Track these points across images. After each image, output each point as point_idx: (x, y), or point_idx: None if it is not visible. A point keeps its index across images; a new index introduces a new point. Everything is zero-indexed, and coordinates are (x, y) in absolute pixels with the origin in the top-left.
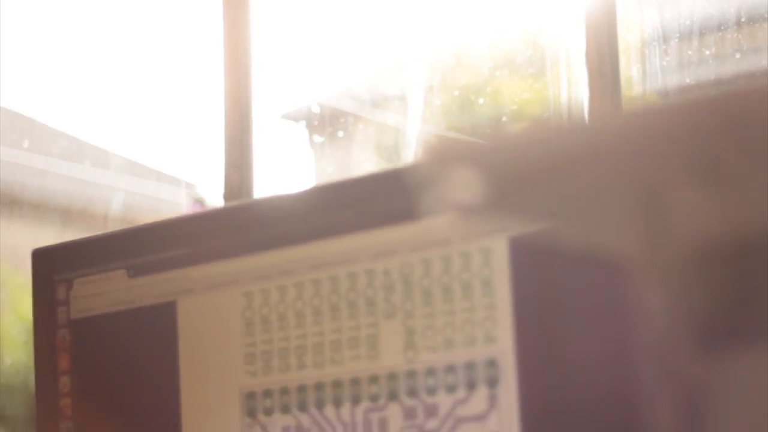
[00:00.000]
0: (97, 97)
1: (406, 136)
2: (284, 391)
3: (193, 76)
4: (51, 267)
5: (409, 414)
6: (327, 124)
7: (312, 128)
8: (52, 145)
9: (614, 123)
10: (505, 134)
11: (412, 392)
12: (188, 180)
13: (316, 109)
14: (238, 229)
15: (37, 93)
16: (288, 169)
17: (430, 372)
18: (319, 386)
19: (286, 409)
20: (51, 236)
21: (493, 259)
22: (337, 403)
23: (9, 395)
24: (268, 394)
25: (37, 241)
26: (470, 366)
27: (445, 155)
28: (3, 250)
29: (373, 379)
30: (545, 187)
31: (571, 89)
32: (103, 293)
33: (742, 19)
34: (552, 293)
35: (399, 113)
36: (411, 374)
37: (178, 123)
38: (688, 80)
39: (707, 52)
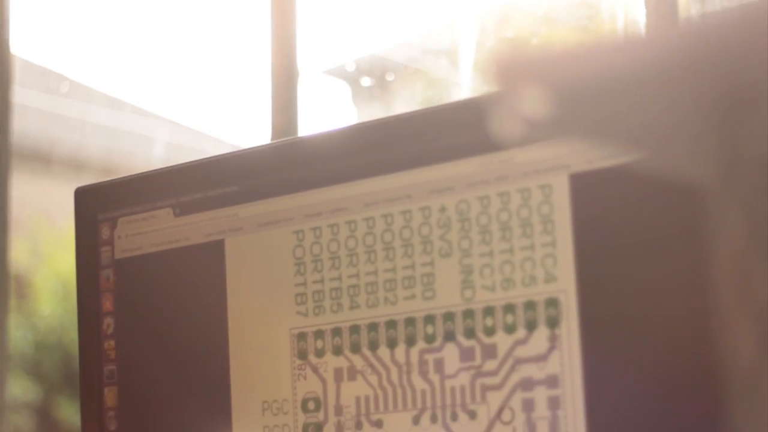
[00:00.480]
0: (139, 56)
1: (455, 89)
2: (336, 332)
3: (236, 33)
4: (95, 206)
5: (466, 355)
6: (373, 78)
7: (356, 84)
8: (89, 102)
9: (679, 37)
10: (571, 48)
11: (470, 333)
12: (231, 142)
13: (361, 65)
14: (289, 165)
15: (75, 51)
16: (332, 124)
17: (488, 312)
18: (372, 327)
19: (337, 351)
20: None
21: (553, 195)
22: (391, 344)
23: (44, 352)
24: (319, 335)
25: (71, 201)
26: (530, 305)
27: (514, 65)
28: (39, 205)
29: (429, 320)
30: (612, 108)
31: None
32: (148, 232)
33: None
34: (614, 230)
35: (448, 66)
36: (468, 314)
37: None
38: None
39: None
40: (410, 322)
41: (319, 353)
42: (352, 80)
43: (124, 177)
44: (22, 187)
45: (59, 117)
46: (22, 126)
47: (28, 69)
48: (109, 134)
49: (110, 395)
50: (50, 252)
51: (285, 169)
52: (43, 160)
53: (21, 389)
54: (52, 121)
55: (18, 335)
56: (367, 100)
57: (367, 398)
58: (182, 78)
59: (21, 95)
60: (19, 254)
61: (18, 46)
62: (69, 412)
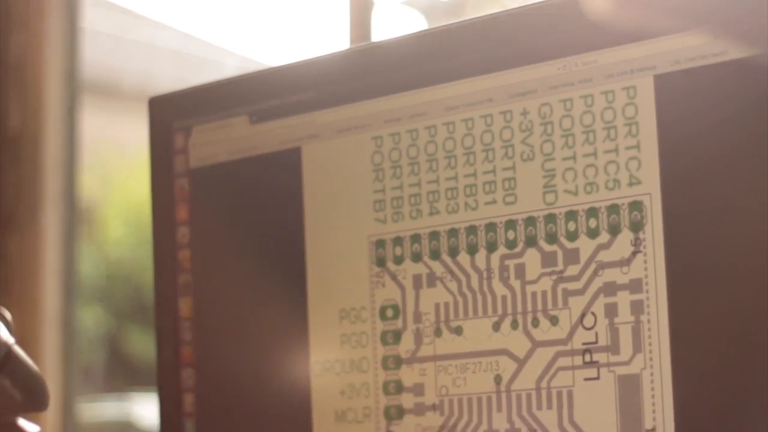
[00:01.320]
0: None
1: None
2: (415, 239)
3: None
4: (169, 115)
5: (548, 260)
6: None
7: (431, 15)
8: (159, 32)
9: None
10: None
11: (552, 238)
12: None
13: None
14: (368, 71)
15: None
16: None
17: (571, 216)
18: (452, 233)
19: (417, 257)
20: None
21: (638, 97)
22: (472, 250)
23: (115, 283)
24: (398, 241)
25: (141, 131)
26: (613, 209)
27: None
28: (110, 136)
29: (510, 225)
30: (698, 5)
31: None
32: (223, 141)
33: None
34: (700, 133)
35: None
36: (550, 219)
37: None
38: None
39: None
40: (491, 227)
41: (398, 260)
42: (428, 11)
43: (198, 85)
44: (93, 118)
45: (129, 46)
46: (92, 56)
47: (99, 1)
48: (179, 64)
49: (185, 305)
50: (121, 182)
51: (363, 74)
52: (113, 90)
53: (92, 320)
54: (122, 51)
55: (89, 266)
56: None
57: (446, 305)
58: (254, 10)
59: (91, 26)
60: (90, 185)
61: None
62: (139, 342)
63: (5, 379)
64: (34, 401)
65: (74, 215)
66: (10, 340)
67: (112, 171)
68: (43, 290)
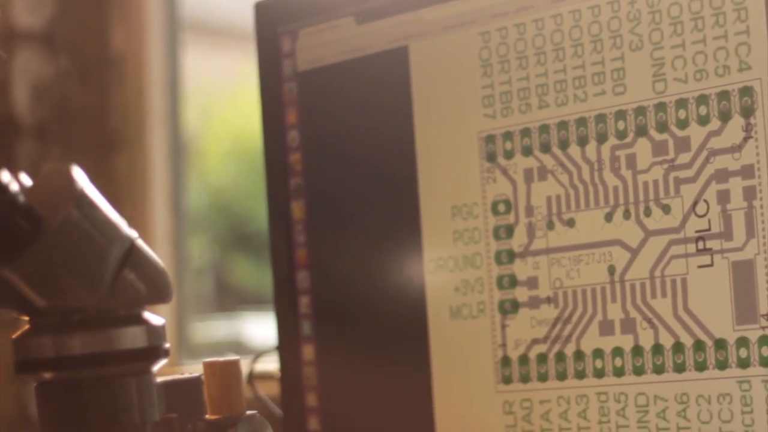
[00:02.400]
0: None
1: None
2: (525, 133)
3: None
4: (274, 19)
5: (659, 149)
6: None
7: None
8: None
9: None
10: None
11: (662, 126)
12: None
13: None
14: None
15: None
16: None
17: (681, 104)
18: (562, 125)
19: (527, 151)
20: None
21: None
22: (582, 142)
23: (217, 214)
24: (508, 136)
25: (235, 64)
26: (724, 95)
27: None
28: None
29: (620, 115)
30: None
31: None
32: (330, 42)
33: None
34: None
35: None
36: (660, 107)
37: None
38: None
39: None
40: (601, 118)
41: (508, 155)
42: None
43: None
44: (194, 54)
45: None
46: None
47: None
48: None
49: (297, 208)
50: (219, 114)
51: None
52: (206, 25)
53: (197, 249)
54: None
55: (192, 196)
56: None
57: (558, 198)
58: None
59: None
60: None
61: None
62: (243, 273)
63: (130, 272)
64: (158, 294)
65: (179, 138)
66: (133, 233)
67: (210, 103)
68: (152, 211)
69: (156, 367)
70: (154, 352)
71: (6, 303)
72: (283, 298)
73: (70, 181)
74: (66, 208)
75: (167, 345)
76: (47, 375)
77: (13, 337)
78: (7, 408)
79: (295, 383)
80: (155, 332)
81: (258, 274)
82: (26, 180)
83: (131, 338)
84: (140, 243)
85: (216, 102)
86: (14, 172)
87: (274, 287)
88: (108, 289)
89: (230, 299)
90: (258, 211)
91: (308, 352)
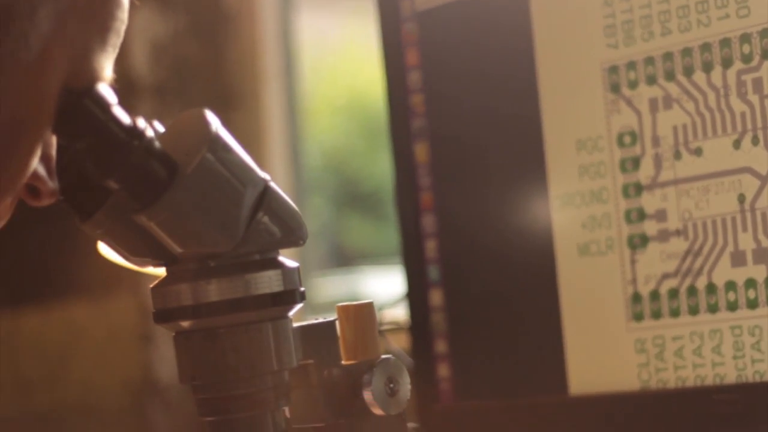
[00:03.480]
0: None
1: None
2: (649, 62)
3: None
4: None
5: None
6: None
7: None
8: None
9: None
10: None
11: None
12: None
13: None
14: None
15: None
16: None
17: None
18: (686, 52)
19: (651, 80)
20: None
21: None
22: (707, 68)
23: (331, 173)
24: (631, 66)
25: (347, 24)
26: None
27: None
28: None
29: (745, 38)
30: None
31: None
32: None
33: None
34: None
35: None
36: None
37: None
38: None
39: None
40: (725, 43)
41: (632, 85)
42: None
43: None
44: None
45: None
46: None
47: None
48: None
49: (421, 151)
50: (333, 74)
51: None
52: None
53: (312, 209)
54: None
55: (305, 157)
56: None
57: (684, 126)
58: None
59: None
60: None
61: None
62: (358, 233)
63: (264, 215)
64: (292, 237)
65: (294, 95)
66: (266, 176)
67: (323, 61)
68: (271, 169)
69: (292, 312)
70: (291, 296)
71: (143, 252)
72: (410, 244)
73: (204, 124)
74: (200, 152)
75: (303, 289)
76: (185, 323)
77: (151, 286)
78: (133, 372)
79: (424, 330)
80: (291, 276)
81: (373, 234)
82: (160, 127)
83: (267, 282)
84: (273, 186)
85: (328, 60)
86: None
87: (400, 232)
88: (243, 234)
89: (347, 258)
90: (371, 171)
91: (436, 297)
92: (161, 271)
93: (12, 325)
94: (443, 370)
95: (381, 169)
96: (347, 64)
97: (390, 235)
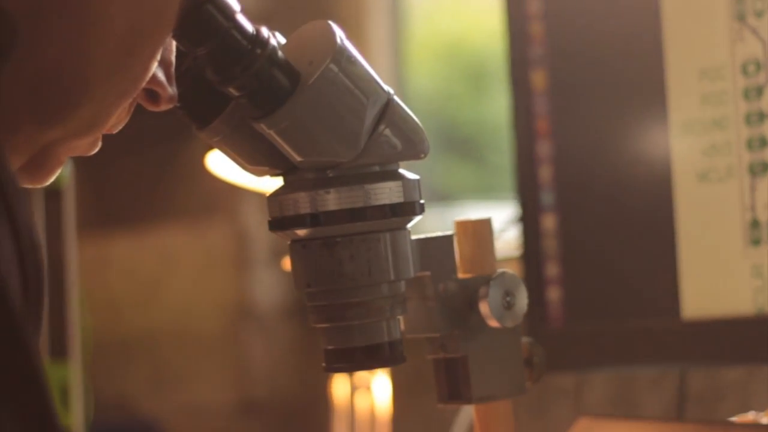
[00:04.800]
0: None
1: None
2: None
3: None
4: None
5: None
6: None
7: None
8: None
9: None
10: None
11: None
12: None
13: None
14: None
15: None
16: None
17: None
18: None
19: None
20: None
21: None
22: None
23: (425, 119)
24: None
25: None
26: None
27: None
28: None
29: None
30: None
31: None
32: None
33: None
34: None
35: None
36: None
37: None
38: None
39: None
40: None
41: (759, 14)
42: None
43: None
44: None
45: None
46: None
47: None
48: None
49: (538, 78)
50: (429, 17)
51: None
52: None
53: None
54: None
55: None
56: None
57: None
58: None
59: None
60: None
61: None
62: (456, 177)
63: (386, 127)
64: (414, 150)
65: (398, 35)
66: (390, 89)
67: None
68: None
69: (411, 224)
70: (410, 207)
71: (261, 160)
72: (524, 169)
73: (329, 35)
74: (324, 62)
75: (422, 201)
76: (302, 232)
77: (268, 195)
78: (229, 297)
79: (536, 254)
80: (411, 187)
81: (471, 179)
82: (282, 39)
83: (387, 193)
84: (397, 99)
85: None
86: None
87: (515, 158)
88: (364, 145)
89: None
90: (468, 115)
91: (549, 222)
92: (271, 186)
93: (105, 250)
94: (555, 294)
95: (480, 114)
96: (451, 5)
97: (487, 179)
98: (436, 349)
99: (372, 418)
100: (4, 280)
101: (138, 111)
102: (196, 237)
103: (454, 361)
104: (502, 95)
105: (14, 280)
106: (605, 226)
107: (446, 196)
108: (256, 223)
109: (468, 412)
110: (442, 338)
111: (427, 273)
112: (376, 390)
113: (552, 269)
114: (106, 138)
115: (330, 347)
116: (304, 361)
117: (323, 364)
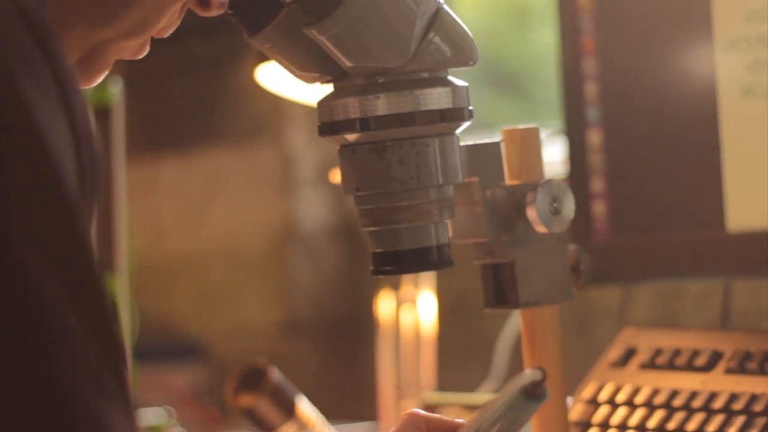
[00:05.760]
0: None
1: None
2: None
3: None
4: None
5: None
6: None
7: None
8: None
9: None
10: None
11: None
12: None
13: None
14: None
15: None
16: None
17: None
18: None
19: None
20: None
21: None
22: None
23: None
24: None
25: None
26: None
27: None
28: None
29: None
30: None
31: None
32: None
33: None
34: None
35: None
36: None
37: None
38: None
39: None
40: None
41: None
42: None
43: None
44: None
45: None
46: None
47: None
48: None
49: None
50: None
51: None
52: None
53: None
54: None
55: None
56: None
57: None
58: None
59: None
60: None
61: None
62: (500, 112)
63: (435, 35)
64: (463, 57)
65: None
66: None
67: None
68: None
69: (459, 130)
70: (459, 113)
71: (311, 66)
72: (570, 85)
73: None
74: None
75: (471, 107)
76: (351, 136)
77: (317, 101)
78: (274, 219)
79: (582, 168)
80: (460, 94)
81: (516, 114)
82: None
83: (436, 99)
84: (446, 8)
85: None
86: None
87: (561, 74)
88: (414, 52)
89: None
90: (512, 50)
91: (595, 137)
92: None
93: (153, 171)
94: (600, 208)
95: (524, 49)
96: None
97: (532, 114)
98: (484, 255)
99: (417, 336)
100: (60, 166)
101: (189, 35)
102: (243, 159)
103: (501, 267)
104: (545, 30)
105: (70, 168)
106: (650, 141)
107: (490, 132)
108: (302, 145)
109: (512, 332)
110: (489, 244)
111: (476, 179)
112: (421, 308)
113: (598, 184)
114: (156, 60)
115: (378, 250)
116: (350, 281)
117: (371, 268)
